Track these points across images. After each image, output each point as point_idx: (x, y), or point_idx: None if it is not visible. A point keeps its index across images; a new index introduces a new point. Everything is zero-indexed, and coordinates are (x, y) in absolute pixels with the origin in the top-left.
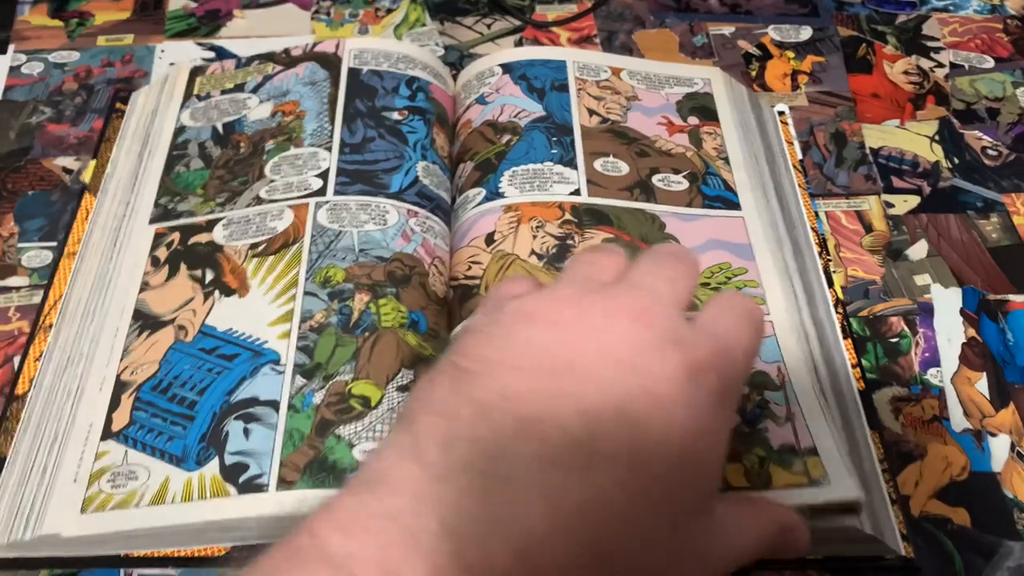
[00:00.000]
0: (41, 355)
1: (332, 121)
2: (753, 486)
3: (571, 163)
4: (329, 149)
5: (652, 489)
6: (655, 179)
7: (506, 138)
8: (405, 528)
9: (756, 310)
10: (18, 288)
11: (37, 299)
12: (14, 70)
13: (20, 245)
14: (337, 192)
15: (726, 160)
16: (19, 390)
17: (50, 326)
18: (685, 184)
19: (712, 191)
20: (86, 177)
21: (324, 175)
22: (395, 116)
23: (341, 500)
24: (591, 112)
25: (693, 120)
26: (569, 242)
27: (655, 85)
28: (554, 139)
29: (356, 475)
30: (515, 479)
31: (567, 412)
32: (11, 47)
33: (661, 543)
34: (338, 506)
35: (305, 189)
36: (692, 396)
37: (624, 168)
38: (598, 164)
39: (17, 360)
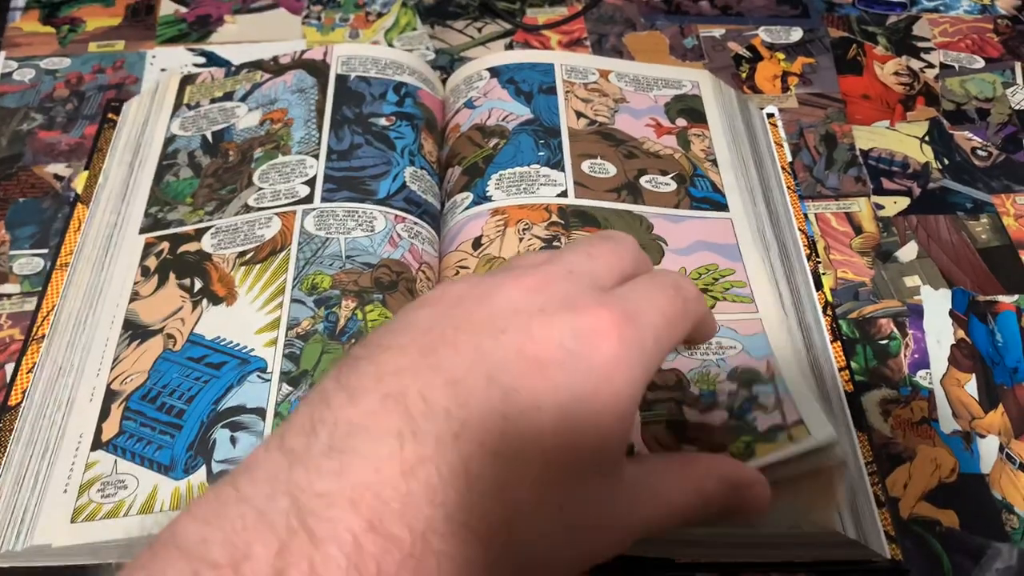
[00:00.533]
0: (33, 367)
1: (320, 128)
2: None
3: (558, 165)
4: (316, 156)
5: (527, 457)
6: (643, 180)
7: (493, 142)
8: (256, 510)
9: (685, 282)
10: (9, 296)
11: (28, 307)
12: (5, 76)
13: (11, 252)
14: (324, 199)
15: (714, 162)
16: (11, 401)
17: (42, 337)
18: (673, 186)
19: (700, 192)
20: (78, 188)
21: (311, 182)
22: (383, 122)
23: (203, 495)
24: (579, 114)
25: (681, 122)
26: (556, 244)
27: (643, 87)
28: (541, 142)
29: (231, 471)
30: (370, 454)
31: (434, 383)
32: (2, 54)
33: (548, 512)
34: (199, 500)
35: (292, 196)
36: (579, 360)
37: (612, 170)
38: (585, 166)
39: (8, 368)
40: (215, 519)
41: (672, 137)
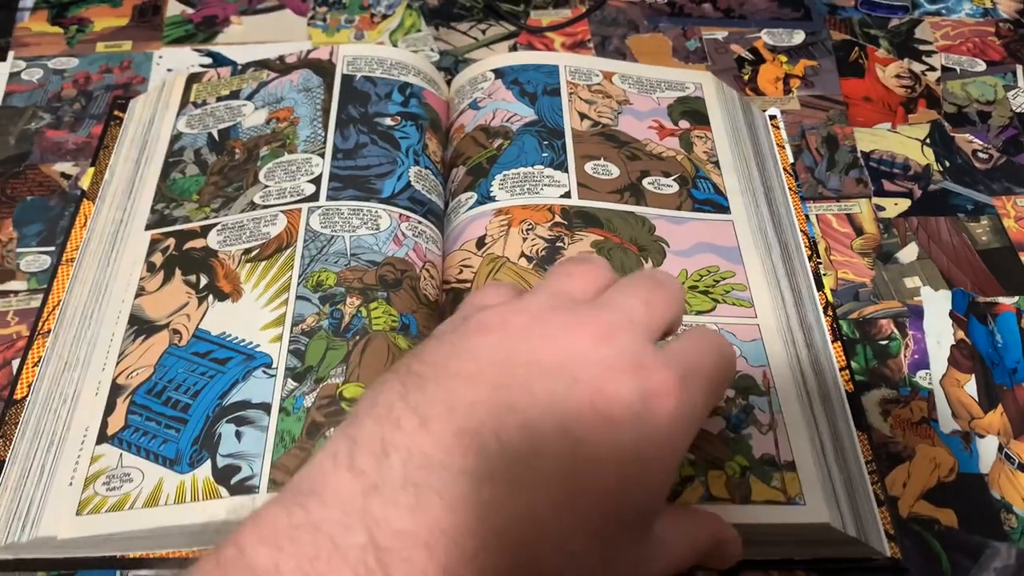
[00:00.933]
0: (39, 360)
1: (325, 127)
2: (733, 499)
3: (562, 166)
4: (322, 155)
5: (589, 511)
6: (645, 182)
7: (498, 142)
8: (332, 541)
9: (726, 344)
10: (16, 292)
11: (35, 303)
12: (14, 76)
13: (19, 250)
14: (330, 197)
15: (716, 164)
16: (17, 395)
17: (48, 332)
18: (675, 187)
19: (702, 195)
20: (84, 184)
21: (317, 180)
22: (388, 122)
23: (269, 511)
24: (582, 116)
25: (684, 124)
26: (559, 244)
27: (646, 89)
28: (545, 143)
29: (289, 483)
30: (447, 493)
31: (509, 425)
32: (11, 53)
33: (592, 564)
34: (266, 517)
35: (298, 194)
36: (643, 421)
37: (615, 171)
38: (589, 167)
39: (15, 364)
40: (288, 545)
41: (675, 139)
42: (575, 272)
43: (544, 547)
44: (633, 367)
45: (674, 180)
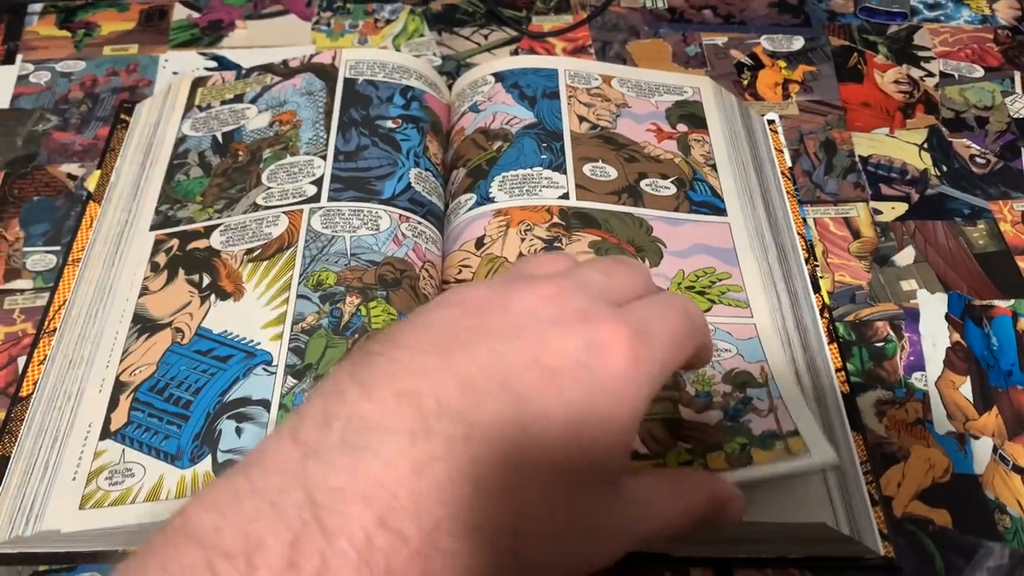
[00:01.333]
0: (45, 358)
1: (327, 130)
2: (733, 467)
3: (560, 168)
4: (324, 157)
5: (537, 462)
6: (643, 184)
7: (497, 145)
8: (270, 502)
9: (693, 307)
10: (23, 291)
11: (41, 302)
12: (22, 79)
13: (25, 249)
14: (331, 198)
15: (713, 167)
16: (23, 392)
17: (54, 330)
18: (672, 189)
19: (699, 196)
20: (91, 187)
21: (319, 182)
22: (389, 124)
23: (215, 484)
24: (581, 119)
25: (682, 127)
26: (556, 245)
27: (645, 93)
28: (544, 145)
29: (241, 461)
30: (383, 451)
31: (448, 385)
32: (19, 57)
33: (550, 516)
34: (211, 489)
35: (300, 196)
36: (592, 373)
37: (613, 173)
38: (587, 169)
39: (21, 361)
40: (228, 509)
41: (672, 142)
42: (541, 258)
43: (489, 499)
44: (580, 320)
45: (671, 182)
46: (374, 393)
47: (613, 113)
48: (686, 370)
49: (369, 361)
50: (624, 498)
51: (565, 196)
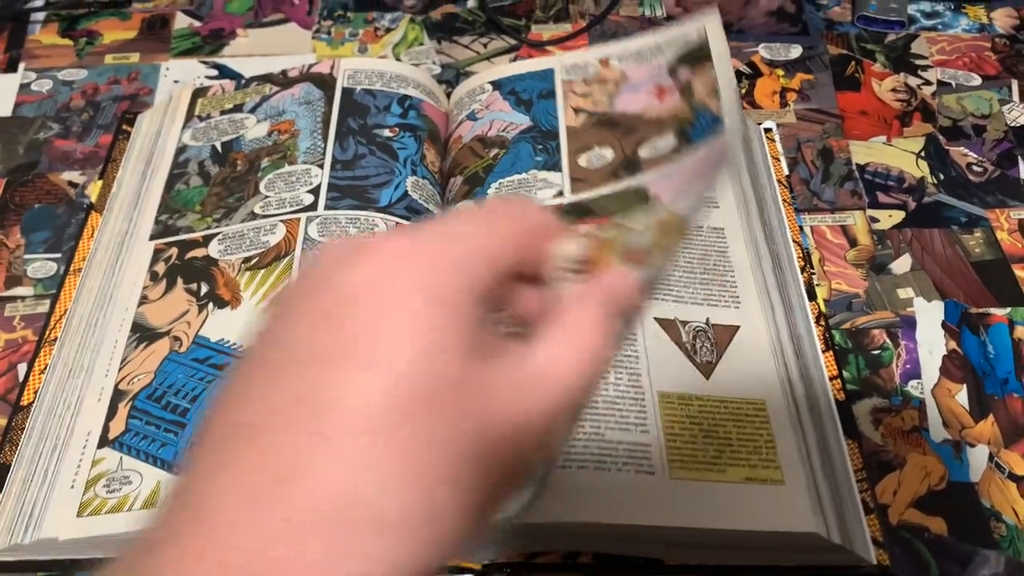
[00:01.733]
0: (45, 368)
1: (325, 139)
2: None
3: (555, 167)
4: (321, 166)
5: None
6: (641, 151)
7: (494, 152)
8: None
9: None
10: (23, 298)
11: (41, 309)
12: (24, 87)
13: (26, 256)
14: (328, 207)
15: (717, 93)
16: (24, 401)
17: (55, 339)
18: (672, 141)
19: (699, 130)
20: (93, 197)
21: (316, 191)
22: (386, 133)
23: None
24: (578, 111)
25: (684, 74)
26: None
27: (646, 59)
28: (539, 147)
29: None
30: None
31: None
32: (21, 65)
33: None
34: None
35: (297, 204)
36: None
37: (610, 154)
38: (582, 160)
39: (21, 368)
40: None
41: (675, 95)
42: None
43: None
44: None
45: (671, 133)
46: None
47: (611, 94)
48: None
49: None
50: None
51: (560, 194)
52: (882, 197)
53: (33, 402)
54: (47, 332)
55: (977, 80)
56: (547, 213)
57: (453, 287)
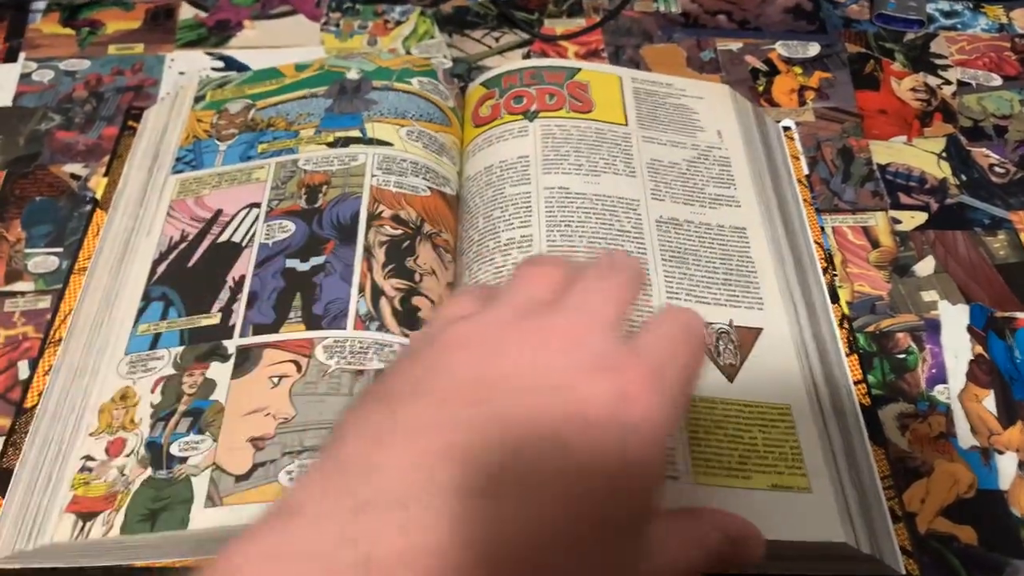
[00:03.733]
0: (50, 369)
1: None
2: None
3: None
4: None
5: (582, 515)
6: None
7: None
8: (325, 565)
9: (694, 320)
10: (24, 293)
11: (42, 305)
12: (25, 77)
13: (27, 251)
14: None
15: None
16: (28, 403)
17: (60, 340)
18: None
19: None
20: (97, 191)
21: None
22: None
23: (261, 532)
24: None
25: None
26: None
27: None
28: None
29: (279, 502)
30: (435, 508)
31: (491, 438)
32: (22, 55)
33: (592, 568)
34: (258, 539)
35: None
36: (622, 421)
37: None
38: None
39: (21, 365)
40: (281, 569)
41: None
42: (534, 275)
43: (543, 554)
44: (604, 368)
45: None
46: (413, 445)
47: None
48: None
49: (399, 406)
50: (649, 541)
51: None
52: (904, 198)
53: (37, 404)
54: (52, 332)
55: (998, 80)
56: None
57: (659, 450)
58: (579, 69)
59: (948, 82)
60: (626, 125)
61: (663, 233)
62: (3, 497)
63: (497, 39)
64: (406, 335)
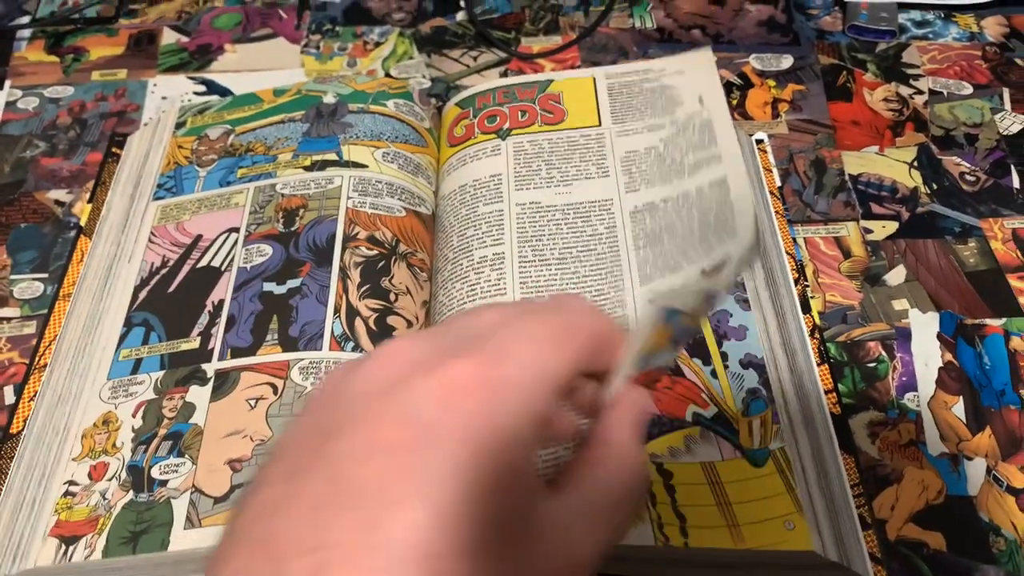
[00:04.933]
0: (35, 395)
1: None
2: None
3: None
4: None
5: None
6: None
7: None
8: None
9: (569, 300)
10: (9, 319)
11: (28, 330)
12: (10, 105)
13: (12, 277)
14: None
15: None
16: (13, 429)
17: (44, 366)
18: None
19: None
20: (81, 218)
21: None
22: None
23: None
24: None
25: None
26: None
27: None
28: None
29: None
30: None
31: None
32: (7, 82)
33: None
34: None
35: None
36: (445, 428)
37: None
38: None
39: (7, 391)
40: None
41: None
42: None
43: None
44: (431, 369)
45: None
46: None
47: None
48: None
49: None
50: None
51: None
52: (875, 208)
53: (22, 430)
54: (36, 359)
55: (968, 89)
56: (612, 321)
57: (513, 430)
58: (551, 80)
59: (920, 91)
60: (599, 126)
61: (637, 223)
62: None
63: (475, 58)
64: None
